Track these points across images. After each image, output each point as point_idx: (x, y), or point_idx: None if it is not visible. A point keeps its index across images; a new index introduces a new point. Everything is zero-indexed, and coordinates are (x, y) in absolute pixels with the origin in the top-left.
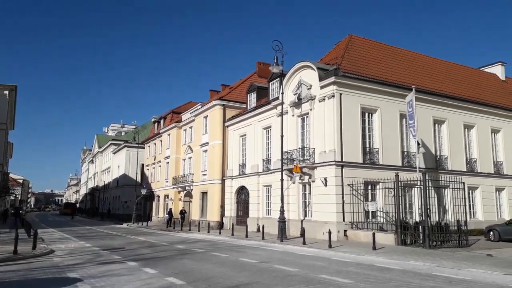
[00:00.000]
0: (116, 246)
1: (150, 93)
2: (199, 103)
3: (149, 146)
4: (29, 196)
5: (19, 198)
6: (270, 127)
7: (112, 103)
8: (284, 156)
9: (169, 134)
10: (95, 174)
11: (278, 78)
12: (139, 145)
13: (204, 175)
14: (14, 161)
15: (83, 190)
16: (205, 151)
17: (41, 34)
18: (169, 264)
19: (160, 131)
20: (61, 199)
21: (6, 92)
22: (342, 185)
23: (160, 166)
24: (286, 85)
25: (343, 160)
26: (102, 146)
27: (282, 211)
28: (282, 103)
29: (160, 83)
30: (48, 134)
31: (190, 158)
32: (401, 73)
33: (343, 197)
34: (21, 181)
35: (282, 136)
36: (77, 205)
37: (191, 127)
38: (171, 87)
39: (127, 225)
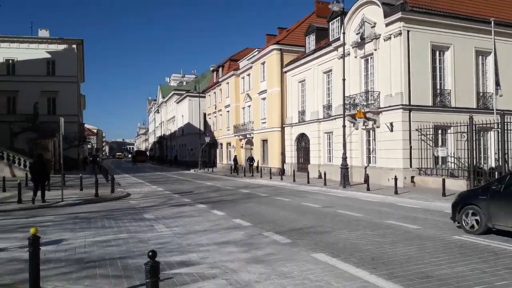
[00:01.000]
0: (185, 190)
1: (208, 41)
2: (256, 49)
3: (209, 95)
4: (103, 144)
5: (95, 147)
6: (330, 70)
7: (173, 53)
8: (346, 101)
9: (227, 83)
10: (161, 123)
11: (339, 17)
12: (200, 95)
13: (263, 123)
14: (88, 113)
15: (152, 139)
16: (264, 99)
17: None
18: (235, 207)
19: (219, 80)
20: (132, 147)
21: (74, 46)
22: (410, 130)
23: (221, 115)
24: (347, 24)
25: (411, 103)
26: (166, 96)
27: (344, 158)
28: (343, 44)
29: (217, 30)
30: (117, 86)
31: (249, 106)
32: (477, 5)
33: (410, 143)
34: (95, 131)
35: (343, 79)
36: (148, 153)
37: (248, 75)
38: (228, 34)
39: (194, 171)
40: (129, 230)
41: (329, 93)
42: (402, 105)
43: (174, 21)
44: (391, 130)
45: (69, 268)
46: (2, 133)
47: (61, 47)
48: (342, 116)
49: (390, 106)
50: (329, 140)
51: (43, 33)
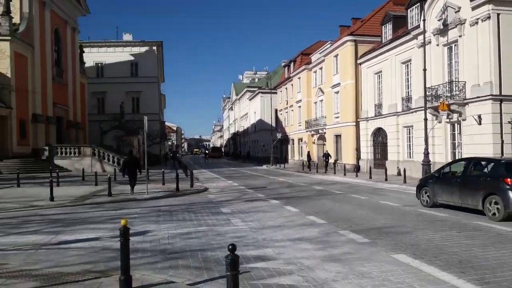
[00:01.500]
0: (258, 186)
1: (279, 37)
2: (329, 42)
3: (281, 91)
4: (182, 141)
5: (175, 143)
6: (409, 60)
7: (245, 52)
8: (427, 93)
9: (299, 78)
10: (235, 120)
11: (418, 3)
12: (272, 91)
13: (336, 117)
14: (168, 111)
15: (226, 135)
16: (337, 92)
17: None
18: (309, 204)
19: (291, 75)
20: (208, 144)
21: (154, 48)
22: (501, 123)
23: (292, 110)
24: (428, 10)
25: (502, 93)
26: (239, 94)
27: (426, 154)
28: (424, 32)
29: (288, 25)
30: (194, 85)
31: (321, 100)
32: None
33: (502, 137)
34: (175, 128)
35: (424, 70)
36: (222, 149)
37: (321, 68)
38: (300, 28)
39: (266, 166)
40: (207, 223)
41: (408, 85)
42: (492, 95)
43: (246, 20)
44: (479, 123)
45: (154, 258)
46: (93, 131)
47: (143, 49)
48: (423, 108)
49: (478, 97)
50: (409, 134)
51: (127, 37)
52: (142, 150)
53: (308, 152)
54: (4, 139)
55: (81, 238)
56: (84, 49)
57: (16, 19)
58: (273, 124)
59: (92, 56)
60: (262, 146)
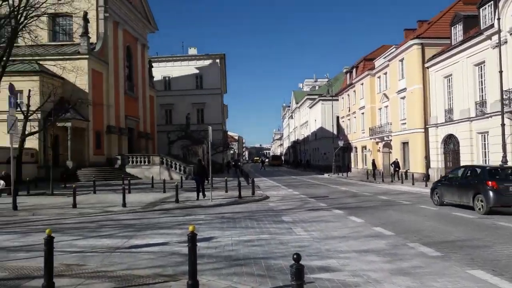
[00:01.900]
0: (320, 195)
1: (340, 42)
2: (393, 46)
3: (342, 98)
4: (243, 150)
5: (237, 152)
6: (483, 62)
7: (305, 59)
8: (504, 96)
9: (362, 84)
10: (295, 128)
11: (492, 2)
12: (333, 98)
13: (403, 124)
14: (230, 121)
15: (286, 144)
16: (403, 98)
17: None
18: (374, 214)
19: (353, 81)
20: (268, 152)
21: (217, 60)
22: None
23: (355, 117)
24: (503, 8)
25: None
26: (299, 102)
27: (505, 162)
28: (498, 31)
29: (348, 30)
30: (254, 94)
31: (386, 107)
32: None
33: None
34: (236, 137)
35: (500, 71)
36: (282, 157)
37: (385, 74)
38: (361, 33)
39: (328, 175)
40: (269, 232)
41: (482, 88)
42: None
43: (306, 26)
44: None
45: (219, 264)
46: (162, 141)
47: (207, 62)
48: (500, 113)
49: None
50: (484, 141)
51: (192, 51)
52: (207, 158)
53: (373, 160)
54: (82, 149)
55: (151, 243)
56: (153, 64)
57: (93, 39)
58: (335, 132)
59: (160, 70)
60: (323, 154)
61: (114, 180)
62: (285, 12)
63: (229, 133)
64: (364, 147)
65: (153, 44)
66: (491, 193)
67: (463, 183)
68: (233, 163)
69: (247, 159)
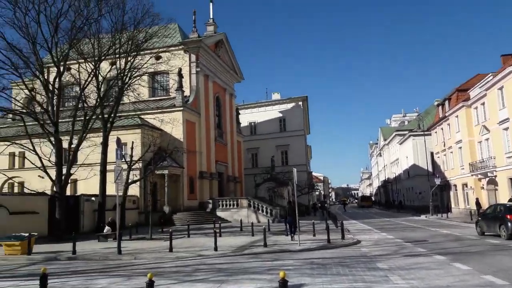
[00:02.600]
0: (418, 239)
1: (428, 75)
2: (489, 74)
3: (435, 132)
4: (330, 191)
5: (323, 193)
6: None
7: (390, 94)
8: None
9: (457, 116)
10: (384, 166)
11: None
12: (425, 132)
13: (509, 157)
14: (314, 162)
15: (376, 183)
16: (506, 128)
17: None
18: (483, 260)
19: (446, 114)
20: (357, 193)
21: (300, 103)
22: None
23: (451, 152)
24: None
25: None
26: (387, 139)
27: None
28: None
29: (437, 61)
30: (338, 134)
31: (487, 139)
32: None
33: None
34: (321, 178)
35: None
36: (372, 197)
37: (482, 104)
38: (450, 63)
39: (425, 216)
40: (363, 280)
41: None
42: None
43: (389, 61)
44: None
45: None
46: (248, 184)
47: (290, 105)
48: None
49: None
50: None
51: (276, 96)
52: (292, 200)
53: (477, 199)
54: (177, 194)
55: None
56: (240, 111)
57: (186, 92)
58: (430, 169)
59: (247, 117)
60: (418, 194)
61: (206, 223)
62: (365, 51)
63: (314, 174)
64: (464, 185)
65: (240, 92)
66: (509, 224)
67: (494, 217)
68: (319, 204)
69: (333, 200)
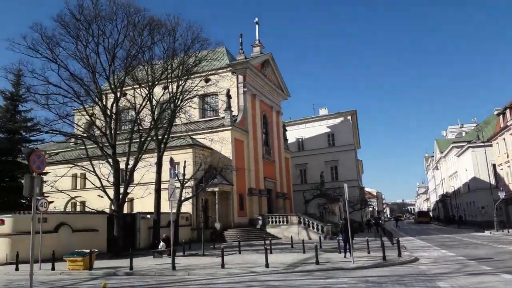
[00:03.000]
0: (482, 256)
1: (485, 84)
2: None
3: (497, 143)
4: (383, 206)
5: (376, 209)
6: None
7: (444, 105)
8: None
9: None
10: (442, 180)
11: None
12: (485, 144)
13: None
14: (366, 177)
15: (433, 198)
16: None
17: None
18: None
19: (508, 123)
20: (413, 208)
21: (349, 117)
22: None
23: None
24: None
25: None
26: (443, 151)
27: None
28: None
29: (495, 69)
30: (391, 147)
31: None
32: None
33: None
34: (374, 193)
35: None
36: (430, 213)
37: None
38: (508, 70)
39: (490, 232)
40: None
41: None
42: None
43: (443, 72)
44: None
45: None
46: (298, 200)
47: (338, 120)
48: None
49: None
50: None
51: (323, 111)
52: (344, 217)
53: None
54: (228, 211)
55: None
56: (287, 127)
57: (234, 111)
58: (492, 182)
59: (294, 133)
60: (480, 209)
61: (256, 240)
62: (416, 61)
63: (366, 189)
64: None
65: (287, 109)
66: None
67: None
68: (373, 221)
69: (388, 216)
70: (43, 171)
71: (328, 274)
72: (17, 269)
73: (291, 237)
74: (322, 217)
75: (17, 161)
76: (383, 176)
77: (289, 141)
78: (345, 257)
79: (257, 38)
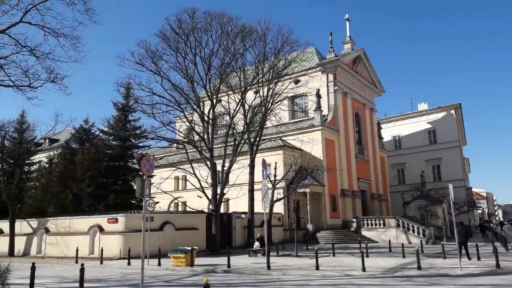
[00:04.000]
0: None
1: None
2: None
3: None
4: (495, 209)
5: (486, 211)
6: None
7: None
8: None
9: None
10: None
11: None
12: None
13: None
14: (473, 176)
15: None
16: None
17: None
18: None
19: None
20: None
21: (452, 111)
22: None
23: None
24: None
25: None
26: None
27: None
28: None
29: None
30: (503, 144)
31: None
32: None
33: None
34: (484, 194)
35: None
36: None
37: None
38: None
39: None
40: None
41: None
42: None
43: None
44: None
45: None
46: (395, 202)
47: (440, 115)
48: None
49: None
50: None
51: (422, 106)
52: (448, 220)
53: None
54: (320, 212)
55: None
56: (382, 125)
57: (324, 111)
58: None
59: (389, 131)
60: None
61: (350, 242)
62: None
63: (474, 189)
64: None
65: (381, 106)
66: None
67: None
68: (481, 224)
69: (501, 219)
70: (152, 174)
71: (431, 281)
72: (129, 263)
73: (389, 240)
74: (423, 220)
75: (128, 165)
76: (495, 175)
77: (384, 140)
78: (469, 259)
79: (348, 34)
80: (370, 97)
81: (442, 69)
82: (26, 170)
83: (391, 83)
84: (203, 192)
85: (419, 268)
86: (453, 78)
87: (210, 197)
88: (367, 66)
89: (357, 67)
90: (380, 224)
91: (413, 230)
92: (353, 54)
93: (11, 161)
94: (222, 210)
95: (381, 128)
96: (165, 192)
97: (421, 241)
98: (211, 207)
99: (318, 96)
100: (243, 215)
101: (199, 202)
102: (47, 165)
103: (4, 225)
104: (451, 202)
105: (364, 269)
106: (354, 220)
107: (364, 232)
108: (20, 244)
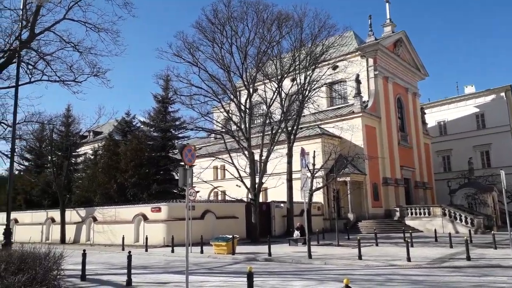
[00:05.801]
0: None
1: None
2: None
3: None
4: None
5: None
6: None
7: None
8: None
9: None
10: None
11: None
12: None
13: None
14: None
15: None
16: None
17: None
18: None
19: None
20: None
21: (502, 94)
22: None
23: None
24: None
25: None
26: None
27: None
28: None
29: None
30: None
31: None
32: None
33: None
34: None
35: None
36: None
37: None
38: None
39: None
40: None
41: None
42: None
43: None
44: None
45: None
46: (441, 190)
47: (488, 98)
48: None
49: None
50: None
51: (469, 89)
52: (499, 209)
53: None
54: (361, 201)
55: None
56: (425, 110)
57: (364, 97)
58: None
59: (434, 116)
60: None
61: (393, 232)
62: None
63: None
64: None
65: (425, 90)
66: None
67: None
68: None
69: None
70: (193, 164)
71: (482, 271)
72: (172, 251)
73: (435, 230)
74: (472, 208)
75: (169, 155)
76: None
77: (428, 125)
78: None
79: (388, 17)
80: (413, 81)
81: (491, 49)
82: (73, 162)
83: (435, 66)
84: (242, 181)
85: (468, 258)
86: (502, 59)
87: (248, 186)
88: (409, 49)
89: (398, 51)
90: (425, 213)
91: (461, 219)
92: (394, 37)
93: (60, 153)
94: (260, 199)
95: (425, 114)
96: (205, 182)
97: (469, 230)
98: (250, 196)
99: (358, 81)
100: (282, 204)
101: (238, 191)
102: (92, 157)
103: (55, 214)
104: (503, 190)
105: (409, 259)
106: (397, 209)
107: (408, 222)
108: (70, 232)
